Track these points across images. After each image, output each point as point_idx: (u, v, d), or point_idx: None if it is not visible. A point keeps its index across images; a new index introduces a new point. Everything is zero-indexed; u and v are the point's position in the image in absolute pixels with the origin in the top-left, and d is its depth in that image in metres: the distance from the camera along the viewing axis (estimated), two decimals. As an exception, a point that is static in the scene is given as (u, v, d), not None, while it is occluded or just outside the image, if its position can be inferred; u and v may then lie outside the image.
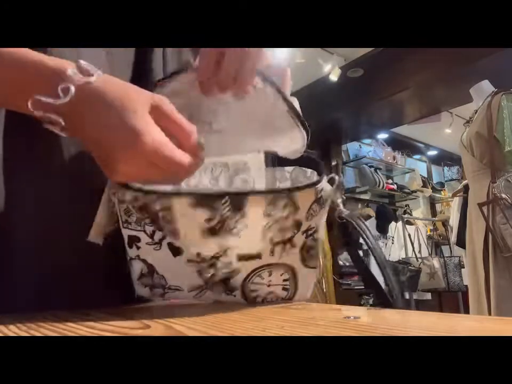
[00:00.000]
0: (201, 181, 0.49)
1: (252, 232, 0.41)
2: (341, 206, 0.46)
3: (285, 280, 0.46)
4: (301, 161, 0.50)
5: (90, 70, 0.36)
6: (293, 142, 0.48)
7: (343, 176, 4.37)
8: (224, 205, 0.39)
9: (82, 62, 0.36)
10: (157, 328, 0.31)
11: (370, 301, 4.14)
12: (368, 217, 4.28)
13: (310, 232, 0.45)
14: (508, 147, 1.98)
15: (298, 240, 0.44)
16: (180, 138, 0.38)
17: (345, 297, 3.89)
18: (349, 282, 4.05)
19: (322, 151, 4.24)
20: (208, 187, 0.49)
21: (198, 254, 0.42)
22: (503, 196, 1.97)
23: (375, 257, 0.44)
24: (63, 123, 0.35)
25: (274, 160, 0.50)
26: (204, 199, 0.39)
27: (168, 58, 0.55)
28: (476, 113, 2.25)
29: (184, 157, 0.37)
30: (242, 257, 0.43)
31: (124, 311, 0.43)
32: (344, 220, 0.46)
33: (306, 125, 0.47)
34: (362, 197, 4.62)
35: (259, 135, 0.48)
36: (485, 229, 2.02)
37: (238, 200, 0.40)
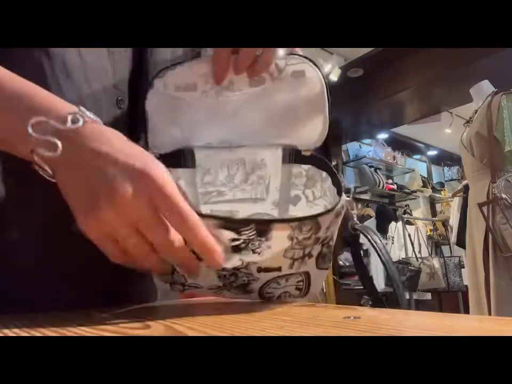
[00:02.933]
0: (217, 177, 0.50)
1: (274, 252, 0.41)
2: (355, 218, 0.46)
3: (299, 281, 0.47)
4: (316, 163, 0.50)
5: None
6: (313, 132, 0.48)
7: (343, 176, 4.37)
8: (250, 230, 0.39)
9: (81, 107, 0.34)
10: (157, 328, 0.31)
11: (370, 301, 4.14)
12: (368, 217, 4.28)
13: (326, 241, 0.45)
14: (508, 147, 1.98)
15: (315, 251, 0.44)
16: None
17: (345, 297, 3.90)
18: (349, 282, 4.05)
19: (322, 151, 4.24)
20: (223, 183, 0.50)
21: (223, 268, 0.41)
22: (503, 195, 1.97)
23: (387, 270, 0.44)
24: (60, 150, 0.32)
25: (292, 156, 0.50)
26: (229, 223, 0.38)
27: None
28: (475, 113, 2.25)
29: (196, 217, 0.33)
30: (262, 270, 0.43)
31: (124, 311, 0.43)
32: (358, 232, 0.46)
33: (329, 114, 0.47)
34: (362, 197, 4.62)
35: (278, 124, 0.48)
36: (485, 229, 2.02)
37: (262, 226, 0.39)
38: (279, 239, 0.40)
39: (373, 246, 0.44)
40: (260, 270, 0.43)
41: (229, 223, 0.38)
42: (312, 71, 0.46)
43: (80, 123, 0.33)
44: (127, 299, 0.51)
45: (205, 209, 0.48)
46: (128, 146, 0.35)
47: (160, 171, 0.33)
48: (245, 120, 0.48)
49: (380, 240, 0.45)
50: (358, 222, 0.46)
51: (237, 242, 0.39)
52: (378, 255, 0.43)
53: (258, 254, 0.40)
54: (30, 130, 0.32)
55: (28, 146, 0.33)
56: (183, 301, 0.60)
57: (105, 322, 0.34)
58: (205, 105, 0.47)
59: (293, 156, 0.50)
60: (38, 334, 0.28)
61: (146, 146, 0.47)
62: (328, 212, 0.41)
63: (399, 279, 0.46)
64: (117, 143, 0.34)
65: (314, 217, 0.40)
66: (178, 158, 0.49)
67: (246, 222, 0.39)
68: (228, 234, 0.38)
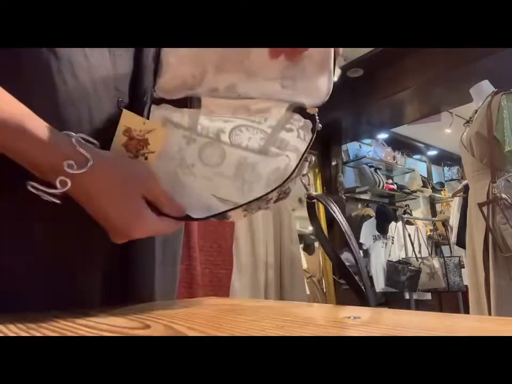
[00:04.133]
0: (221, 113, 0.51)
1: None
2: (307, 188, 0.51)
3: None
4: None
5: (84, 160, 0.38)
6: (320, 89, 0.48)
7: (343, 176, 4.37)
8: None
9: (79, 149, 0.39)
10: (157, 328, 0.31)
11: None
12: (368, 217, 4.29)
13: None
14: (508, 147, 1.98)
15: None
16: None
17: (345, 297, 3.89)
18: (349, 282, 4.05)
19: (322, 151, 4.24)
20: (226, 120, 0.52)
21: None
22: (503, 195, 1.97)
23: (350, 244, 0.48)
24: (90, 163, 0.39)
25: (296, 110, 0.51)
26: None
27: None
28: (475, 113, 2.25)
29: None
30: None
31: (124, 311, 0.43)
32: (314, 200, 0.51)
33: (333, 72, 0.48)
34: (362, 197, 4.62)
35: (288, 79, 0.49)
36: (485, 229, 2.02)
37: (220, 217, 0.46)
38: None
39: (334, 216, 0.47)
40: None
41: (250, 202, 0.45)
42: None
43: (68, 186, 0.38)
44: (127, 299, 0.51)
45: (204, 123, 0.51)
46: (116, 202, 0.41)
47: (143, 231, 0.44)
48: (255, 69, 0.48)
49: (337, 208, 0.48)
50: (312, 192, 0.51)
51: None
52: (341, 225, 0.47)
53: None
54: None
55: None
56: (183, 301, 0.60)
57: (105, 322, 0.34)
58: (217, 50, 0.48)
59: (298, 110, 0.51)
60: (38, 334, 0.28)
61: (153, 90, 0.48)
62: (260, 198, 0.45)
63: (355, 244, 0.50)
64: (103, 200, 0.41)
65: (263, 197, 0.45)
66: (185, 102, 0.50)
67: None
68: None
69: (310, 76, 0.48)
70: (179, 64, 0.47)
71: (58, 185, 0.38)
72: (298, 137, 0.51)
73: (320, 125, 0.49)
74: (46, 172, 0.38)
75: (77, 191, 0.39)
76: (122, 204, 0.41)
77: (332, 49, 0.47)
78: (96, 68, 0.47)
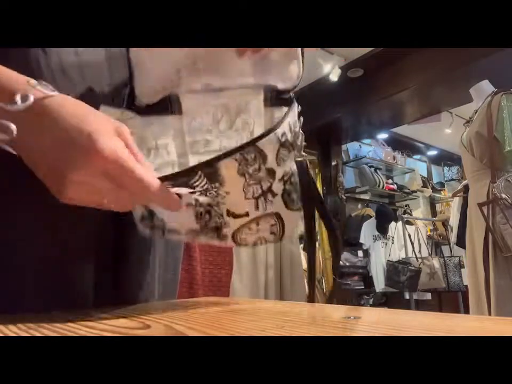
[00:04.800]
0: (203, 124, 0.50)
1: (234, 195, 0.44)
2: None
3: (272, 225, 0.49)
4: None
5: (51, 89, 0.35)
6: (291, 73, 0.50)
7: (343, 176, 4.37)
8: (200, 180, 0.41)
9: (43, 82, 0.35)
10: (157, 328, 0.31)
11: (370, 301, 4.14)
12: (368, 217, 4.29)
13: (286, 177, 0.47)
14: (508, 147, 1.98)
15: (277, 188, 0.46)
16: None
17: (345, 297, 3.90)
18: (349, 282, 4.05)
19: (322, 151, 4.24)
20: (209, 129, 0.50)
21: (196, 200, 0.44)
22: (503, 195, 1.97)
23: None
24: (15, 132, 0.33)
25: (272, 100, 0.51)
26: (177, 177, 0.40)
27: None
28: (475, 113, 2.25)
29: (150, 176, 0.35)
30: (231, 214, 0.45)
31: (124, 311, 0.43)
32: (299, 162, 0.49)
33: (302, 57, 0.50)
34: (362, 197, 4.62)
35: (258, 67, 0.49)
36: (485, 229, 2.02)
37: (208, 169, 0.41)
38: (231, 179, 0.42)
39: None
40: (228, 213, 0.45)
41: (177, 177, 0.40)
42: None
43: (30, 101, 0.33)
44: (126, 299, 0.51)
45: (193, 161, 0.49)
46: (76, 119, 0.34)
47: (108, 146, 0.34)
48: (228, 64, 0.49)
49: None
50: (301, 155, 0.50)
51: (196, 196, 0.42)
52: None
53: (222, 200, 0.44)
54: None
55: None
56: (183, 301, 0.60)
57: (105, 322, 0.34)
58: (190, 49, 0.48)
59: (274, 98, 0.51)
60: (38, 334, 0.28)
61: (132, 98, 0.47)
62: (262, 135, 0.43)
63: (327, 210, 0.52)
64: (64, 120, 0.34)
65: (251, 143, 0.43)
66: (165, 106, 0.49)
67: (191, 170, 0.40)
68: (185, 191, 0.40)
69: (279, 64, 0.50)
70: (153, 66, 0.47)
71: (18, 99, 0.33)
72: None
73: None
74: (8, 86, 0.34)
75: (38, 110, 0.34)
76: (85, 127, 0.34)
77: None
78: (88, 65, 0.47)
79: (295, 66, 0.50)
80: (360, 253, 4.21)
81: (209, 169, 0.41)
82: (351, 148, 4.71)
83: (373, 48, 3.11)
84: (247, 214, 0.46)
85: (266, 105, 0.51)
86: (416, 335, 0.26)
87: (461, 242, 2.72)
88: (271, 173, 0.45)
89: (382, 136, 4.92)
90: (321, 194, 0.53)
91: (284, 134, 0.45)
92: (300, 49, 0.49)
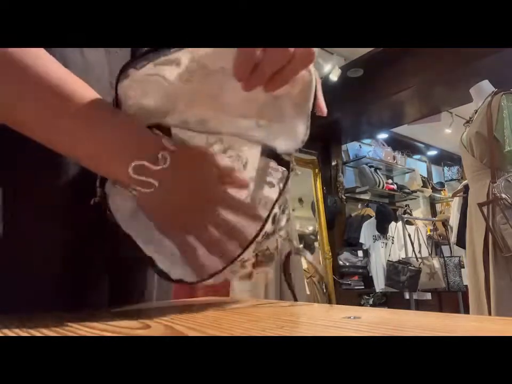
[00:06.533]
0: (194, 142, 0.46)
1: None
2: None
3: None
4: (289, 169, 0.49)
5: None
6: (296, 134, 0.46)
7: (343, 176, 4.37)
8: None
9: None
10: (157, 328, 0.31)
11: (370, 301, 4.15)
12: (368, 217, 4.29)
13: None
14: (508, 147, 1.98)
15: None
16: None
17: (345, 297, 3.90)
18: (349, 282, 4.06)
19: (322, 151, 4.24)
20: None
21: None
22: (503, 195, 1.97)
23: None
24: (156, 186, 0.38)
25: (271, 156, 0.48)
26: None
27: None
28: (475, 113, 2.25)
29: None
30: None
31: (123, 311, 0.43)
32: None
33: (309, 120, 0.46)
34: (362, 197, 4.62)
35: (262, 120, 0.45)
36: (485, 229, 2.02)
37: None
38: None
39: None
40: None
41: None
42: (307, 75, 0.43)
43: (168, 161, 0.38)
44: (126, 299, 0.51)
45: None
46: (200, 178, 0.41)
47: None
48: (229, 104, 0.44)
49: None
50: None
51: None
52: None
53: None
54: (130, 172, 0.37)
55: (125, 182, 0.38)
56: (183, 301, 0.60)
57: (105, 322, 0.34)
58: (187, 81, 0.42)
59: (272, 155, 0.48)
60: (38, 334, 0.28)
61: None
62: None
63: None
64: (192, 173, 0.41)
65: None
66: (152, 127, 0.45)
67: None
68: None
69: (287, 117, 0.45)
70: (141, 97, 0.42)
71: (160, 158, 0.38)
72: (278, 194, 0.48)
73: (298, 172, 0.49)
74: (148, 148, 0.39)
75: (173, 167, 0.39)
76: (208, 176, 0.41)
77: (312, 92, 0.45)
78: (91, 64, 0.47)
79: (303, 124, 0.46)
80: (360, 253, 4.21)
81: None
82: (351, 148, 4.71)
83: (373, 48, 3.11)
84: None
85: (263, 155, 0.48)
86: (416, 335, 0.26)
87: (461, 242, 2.72)
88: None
89: (382, 136, 4.92)
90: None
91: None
92: (311, 104, 0.45)
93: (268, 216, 0.44)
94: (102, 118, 0.39)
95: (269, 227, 0.44)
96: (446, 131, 4.56)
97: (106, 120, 0.39)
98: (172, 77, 0.41)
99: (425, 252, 4.02)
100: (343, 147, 4.54)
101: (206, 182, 0.41)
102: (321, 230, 3.81)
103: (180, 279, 0.42)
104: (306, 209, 4.05)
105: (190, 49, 0.40)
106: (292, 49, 0.38)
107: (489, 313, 1.94)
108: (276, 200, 0.46)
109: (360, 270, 4.15)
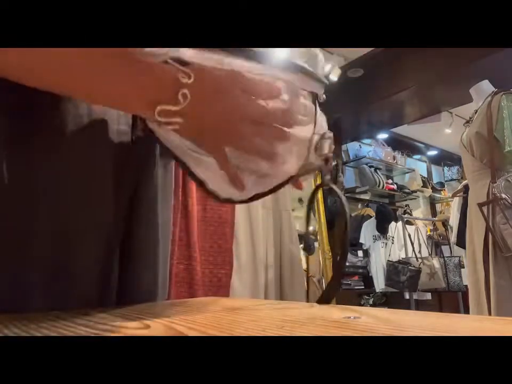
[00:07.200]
0: None
1: None
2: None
3: None
4: None
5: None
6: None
7: (343, 176, 4.37)
8: None
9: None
10: (157, 328, 0.31)
11: (370, 301, 4.15)
12: (368, 217, 4.29)
13: None
14: (508, 147, 1.98)
15: None
16: None
17: (345, 297, 3.90)
18: (349, 282, 4.06)
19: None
20: None
21: None
22: (503, 195, 1.97)
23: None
24: (181, 122, 0.39)
25: None
26: None
27: None
28: (475, 113, 2.25)
29: None
30: None
31: (124, 311, 0.43)
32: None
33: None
34: (362, 197, 4.62)
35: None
36: (485, 229, 2.02)
37: None
38: None
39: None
40: None
41: None
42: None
43: (188, 96, 0.38)
44: (126, 299, 0.51)
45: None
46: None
47: None
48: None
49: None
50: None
51: None
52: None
53: None
54: (157, 116, 0.38)
55: (156, 122, 0.40)
56: (183, 301, 0.60)
57: (105, 322, 0.34)
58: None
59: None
60: (38, 334, 0.28)
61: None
62: None
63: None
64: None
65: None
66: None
67: None
68: None
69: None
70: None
71: (180, 99, 0.38)
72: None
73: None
74: (169, 89, 0.38)
75: (194, 100, 0.39)
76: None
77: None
78: None
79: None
80: (360, 253, 4.21)
81: None
82: (351, 148, 4.71)
83: (373, 48, 3.11)
84: None
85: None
86: (416, 335, 0.26)
87: (461, 242, 2.73)
88: None
89: (382, 136, 4.92)
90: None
91: None
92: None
93: (315, 122, 0.47)
94: (121, 64, 0.39)
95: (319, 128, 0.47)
96: (446, 131, 4.55)
97: (126, 66, 0.39)
98: None
99: (425, 252, 4.02)
100: (343, 147, 4.54)
101: (237, 99, 0.40)
102: (321, 230, 3.81)
103: (229, 198, 0.47)
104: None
105: None
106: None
107: (489, 313, 1.94)
108: (315, 109, 0.47)
109: (360, 270, 4.15)
